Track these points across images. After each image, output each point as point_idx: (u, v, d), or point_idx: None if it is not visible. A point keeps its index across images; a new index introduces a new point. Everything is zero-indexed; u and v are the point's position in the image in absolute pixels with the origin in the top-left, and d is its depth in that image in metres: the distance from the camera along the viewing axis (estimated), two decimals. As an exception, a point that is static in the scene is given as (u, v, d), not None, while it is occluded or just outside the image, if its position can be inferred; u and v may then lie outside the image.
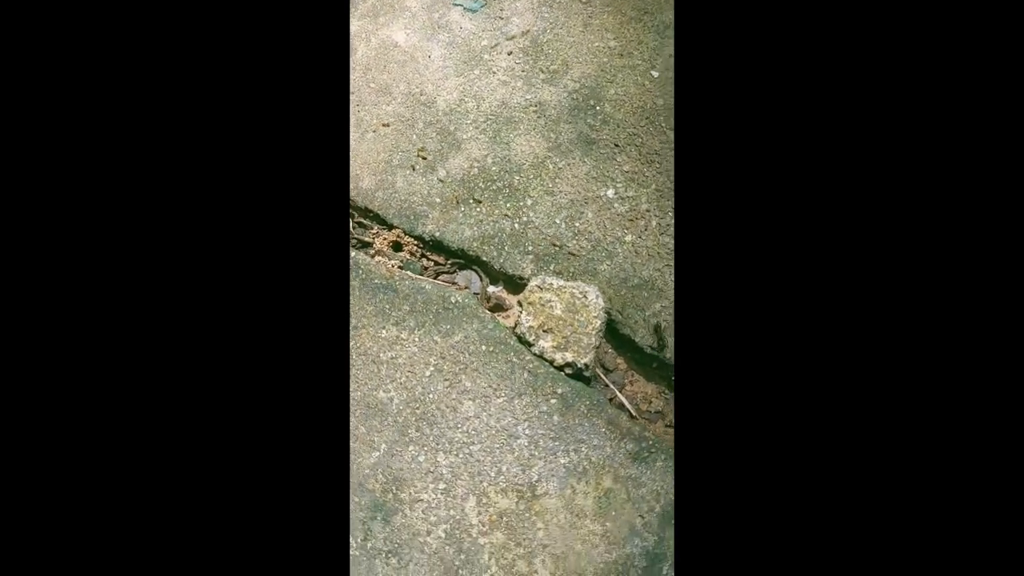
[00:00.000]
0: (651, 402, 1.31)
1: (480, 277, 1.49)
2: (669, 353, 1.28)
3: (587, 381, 1.27)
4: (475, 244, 1.47)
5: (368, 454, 1.23)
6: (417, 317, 1.37)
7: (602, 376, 1.33)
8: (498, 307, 1.44)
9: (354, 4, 1.94)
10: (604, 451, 1.13)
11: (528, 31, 1.79)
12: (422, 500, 1.17)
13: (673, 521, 1.05)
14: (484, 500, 1.14)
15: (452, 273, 1.52)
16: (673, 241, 1.39)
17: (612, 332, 1.36)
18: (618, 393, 1.31)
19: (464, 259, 1.50)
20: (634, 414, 1.28)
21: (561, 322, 1.29)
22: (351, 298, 1.42)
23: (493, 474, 1.16)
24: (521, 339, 1.31)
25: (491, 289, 1.46)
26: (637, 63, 1.68)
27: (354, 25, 1.90)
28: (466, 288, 1.48)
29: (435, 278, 1.50)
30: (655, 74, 1.64)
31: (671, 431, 1.26)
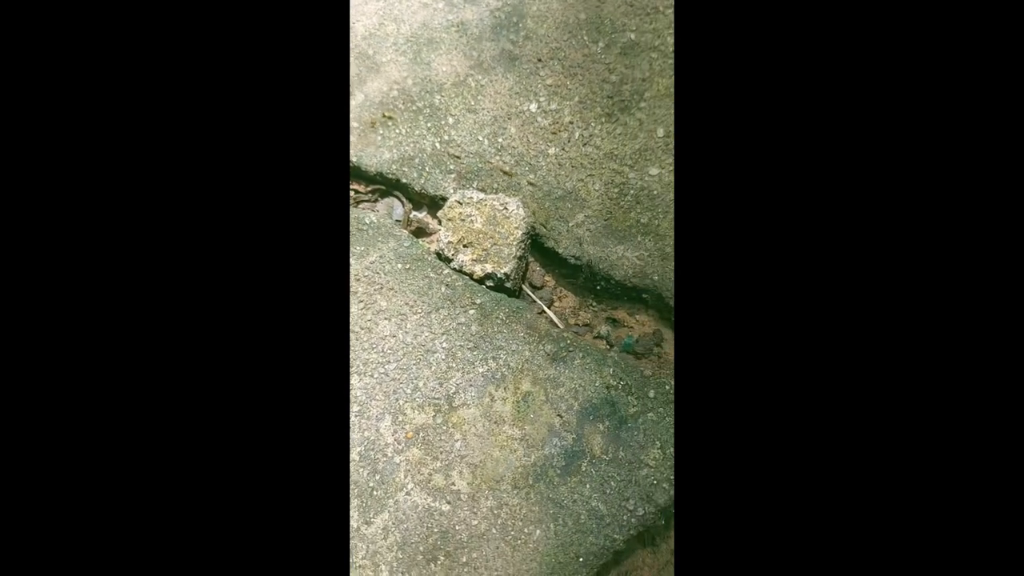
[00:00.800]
0: (579, 315, 1.26)
1: (402, 203, 1.42)
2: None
3: (510, 293, 1.21)
4: (395, 167, 1.40)
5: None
6: (331, 240, 1.30)
7: (530, 293, 1.28)
8: (421, 231, 1.37)
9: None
10: (522, 355, 1.08)
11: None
12: (336, 423, 1.10)
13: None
14: (400, 418, 1.07)
15: (373, 202, 1.45)
16: (596, 152, 1.34)
17: (538, 247, 1.30)
18: (547, 309, 1.26)
19: (384, 183, 1.42)
20: (562, 328, 1.23)
21: (482, 235, 1.23)
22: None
23: (409, 391, 1.10)
24: (440, 255, 1.24)
25: (414, 215, 1.39)
26: (560, -22, 1.60)
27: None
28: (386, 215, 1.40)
29: (355, 207, 1.42)
30: (579, -13, 1.58)
31: (599, 341, 1.22)
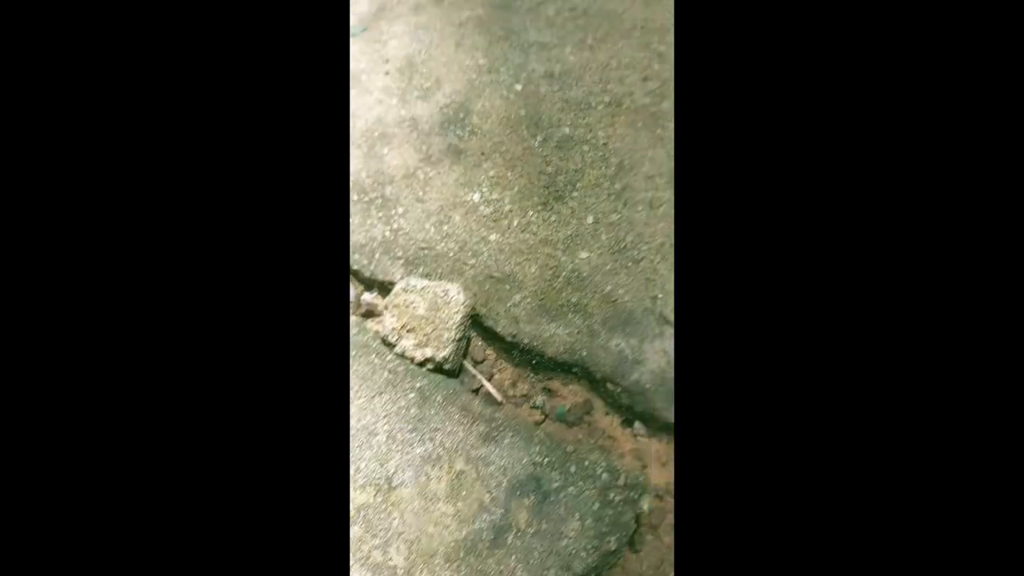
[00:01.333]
0: (516, 386, 1.35)
1: (352, 287, 1.52)
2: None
3: (449, 374, 1.31)
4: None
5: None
6: (286, 326, 1.39)
7: (470, 368, 1.37)
8: (370, 313, 1.47)
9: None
10: (457, 436, 1.16)
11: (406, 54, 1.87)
12: (285, 503, 1.17)
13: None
14: (345, 496, 1.15)
15: (330, 284, 1.55)
16: (532, 238, 1.46)
17: (479, 325, 1.40)
18: (486, 383, 1.35)
19: (338, 269, 1.53)
20: (500, 400, 1.32)
21: (424, 321, 1.33)
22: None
23: (352, 472, 1.17)
24: (384, 341, 1.34)
25: (365, 297, 1.50)
26: (503, 78, 1.77)
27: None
28: (340, 296, 1.50)
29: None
30: (519, 87, 1.74)
31: (536, 411, 1.30)
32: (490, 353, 1.40)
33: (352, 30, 2.02)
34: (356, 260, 1.49)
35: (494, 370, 1.38)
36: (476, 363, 1.38)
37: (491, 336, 1.38)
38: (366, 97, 1.82)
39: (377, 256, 1.50)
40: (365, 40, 1.96)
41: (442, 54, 1.88)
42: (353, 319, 1.39)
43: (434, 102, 1.76)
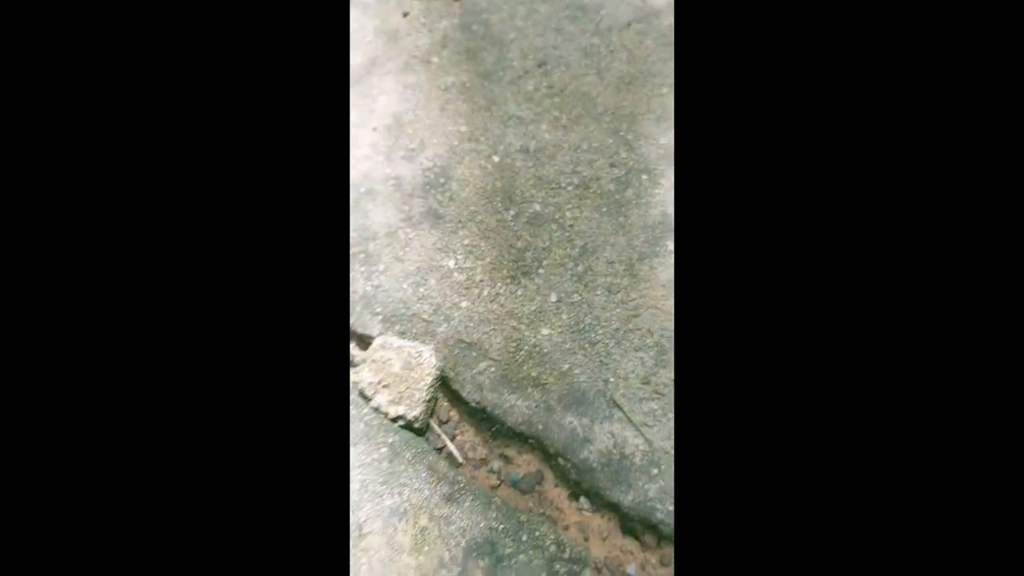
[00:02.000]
0: (477, 450, 1.51)
1: (332, 335, 1.64)
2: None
3: (418, 431, 1.45)
4: (328, 305, 1.62)
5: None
6: (267, 373, 1.49)
7: (435, 427, 1.51)
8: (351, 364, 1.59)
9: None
10: (423, 493, 1.31)
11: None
12: (258, 545, 1.28)
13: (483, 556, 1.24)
14: (316, 542, 1.27)
15: (307, 330, 1.66)
16: (500, 310, 1.62)
17: (446, 387, 1.55)
18: (448, 443, 1.49)
19: (317, 318, 1.64)
20: (461, 461, 1.47)
21: (398, 379, 1.47)
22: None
23: (325, 518, 1.29)
24: (362, 394, 1.46)
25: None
26: (482, 148, 1.92)
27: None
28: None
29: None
30: (496, 159, 1.90)
31: (492, 475, 1.46)
32: (454, 415, 1.55)
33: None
34: (336, 313, 1.61)
35: (457, 432, 1.53)
36: (441, 423, 1.53)
37: (456, 399, 1.53)
38: (355, 151, 1.93)
39: (358, 310, 1.62)
40: (356, 93, 2.07)
41: (427, 116, 2.02)
42: (332, 374, 1.50)
43: (418, 164, 1.90)
